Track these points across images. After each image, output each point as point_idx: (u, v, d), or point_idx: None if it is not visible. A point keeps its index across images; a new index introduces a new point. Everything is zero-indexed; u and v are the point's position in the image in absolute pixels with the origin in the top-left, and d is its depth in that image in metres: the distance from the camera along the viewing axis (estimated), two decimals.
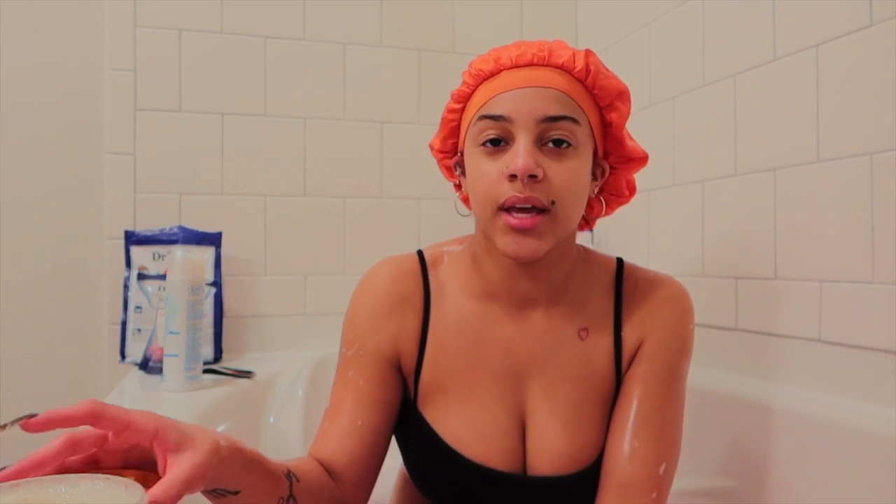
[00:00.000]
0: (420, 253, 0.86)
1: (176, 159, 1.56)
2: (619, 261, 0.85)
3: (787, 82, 1.15)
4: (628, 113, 0.77)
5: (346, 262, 1.65)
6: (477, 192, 0.74)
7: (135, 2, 1.53)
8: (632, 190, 0.85)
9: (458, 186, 0.85)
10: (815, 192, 1.09)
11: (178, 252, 1.26)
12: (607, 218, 1.61)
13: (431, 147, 0.86)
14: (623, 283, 0.82)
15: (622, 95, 0.76)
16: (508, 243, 0.71)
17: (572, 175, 0.72)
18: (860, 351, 1.01)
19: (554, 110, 0.71)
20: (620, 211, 1.72)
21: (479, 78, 0.75)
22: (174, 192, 1.56)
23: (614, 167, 0.81)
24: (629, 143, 0.78)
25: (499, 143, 0.72)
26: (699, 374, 1.30)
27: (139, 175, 1.54)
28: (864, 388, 1.01)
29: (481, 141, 0.73)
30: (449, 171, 0.86)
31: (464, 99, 0.78)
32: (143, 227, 1.52)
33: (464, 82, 0.77)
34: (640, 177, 1.68)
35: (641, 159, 0.80)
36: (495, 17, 1.78)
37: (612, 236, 1.67)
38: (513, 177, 0.70)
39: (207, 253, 1.51)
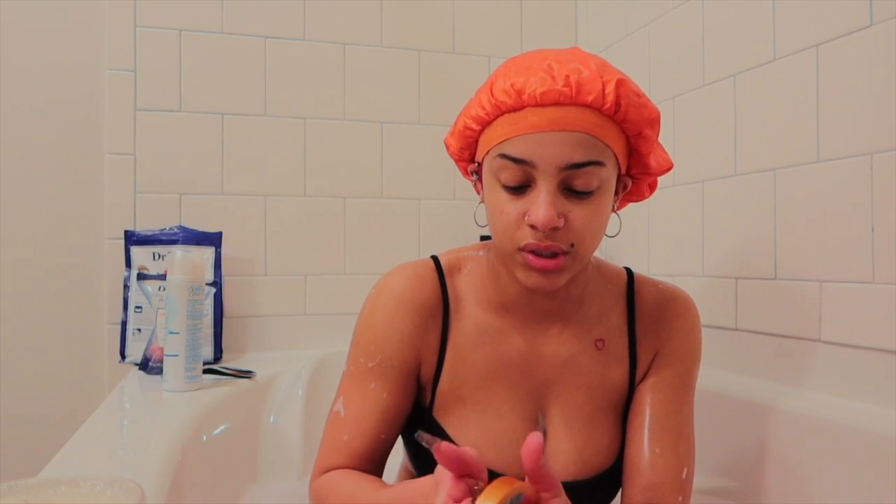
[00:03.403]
0: (435, 259, 0.84)
1: (176, 159, 1.56)
2: (629, 272, 0.86)
3: (787, 82, 1.15)
4: (657, 137, 0.75)
5: (346, 262, 1.64)
6: (496, 228, 0.73)
7: (135, 2, 1.53)
8: (652, 189, 0.83)
9: (478, 188, 0.81)
10: (815, 192, 1.09)
11: (178, 252, 1.25)
12: None
13: (447, 146, 0.83)
14: (635, 294, 0.84)
15: (652, 122, 0.73)
16: (528, 279, 0.72)
17: (594, 217, 0.71)
18: (860, 351, 1.01)
19: (579, 156, 0.68)
20: (620, 211, 1.72)
21: (499, 109, 0.71)
22: (174, 192, 1.56)
23: (637, 177, 0.79)
24: (654, 162, 0.77)
25: (520, 189, 0.71)
26: (699, 375, 1.30)
27: (139, 175, 1.53)
28: (864, 388, 1.01)
29: (502, 181, 0.71)
30: (466, 172, 0.84)
31: (482, 123, 0.74)
32: (143, 227, 1.52)
33: (482, 106, 0.73)
34: None
35: (665, 171, 0.78)
36: (495, 17, 1.78)
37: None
38: (534, 226, 0.69)
39: (207, 253, 1.51)
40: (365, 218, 1.67)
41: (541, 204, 0.68)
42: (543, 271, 0.70)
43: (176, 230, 1.51)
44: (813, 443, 0.99)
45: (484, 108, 0.73)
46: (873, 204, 0.99)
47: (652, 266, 1.51)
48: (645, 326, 0.82)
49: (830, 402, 1.02)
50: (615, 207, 0.80)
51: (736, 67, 1.26)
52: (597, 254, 0.89)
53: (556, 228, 0.69)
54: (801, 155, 1.12)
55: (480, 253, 0.85)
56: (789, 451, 1.03)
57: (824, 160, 1.07)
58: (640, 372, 0.81)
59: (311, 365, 1.46)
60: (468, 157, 0.81)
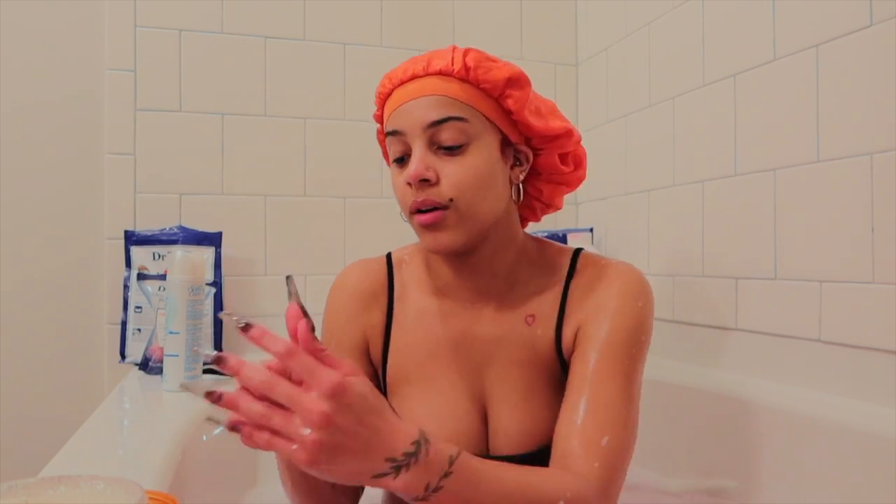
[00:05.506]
0: (389, 255, 0.92)
1: (176, 159, 1.56)
2: (577, 252, 0.87)
3: (787, 82, 1.15)
4: (525, 97, 0.79)
5: (345, 262, 1.63)
6: (398, 201, 0.81)
7: (135, 2, 1.53)
8: (578, 164, 0.86)
9: None
10: (815, 192, 1.09)
11: (178, 252, 1.26)
12: (607, 217, 1.62)
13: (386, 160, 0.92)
14: (575, 271, 0.84)
15: (512, 81, 0.78)
16: (425, 240, 0.79)
17: (468, 171, 0.76)
18: (860, 351, 1.01)
19: (436, 114, 0.76)
20: (621, 210, 1.71)
21: (381, 99, 0.82)
22: (174, 192, 1.56)
23: (540, 148, 0.83)
24: (537, 122, 0.80)
25: (403, 160, 0.79)
26: (699, 375, 1.30)
27: (139, 175, 1.53)
28: (864, 388, 1.01)
29: (392, 157, 0.80)
30: None
31: (379, 120, 0.85)
32: (143, 227, 1.52)
33: (376, 104, 0.84)
34: (640, 177, 1.68)
35: (564, 135, 0.81)
36: (495, 17, 1.78)
37: (612, 236, 1.67)
38: (410, 184, 0.76)
39: (207, 253, 1.51)
40: (365, 218, 1.67)
41: (412, 162, 0.76)
42: (426, 227, 0.77)
43: (176, 230, 1.51)
44: (813, 443, 0.99)
45: (376, 105, 0.84)
46: (873, 204, 0.99)
47: (652, 266, 1.51)
48: (574, 300, 0.82)
49: (830, 402, 1.02)
50: (523, 180, 0.83)
51: (736, 67, 1.26)
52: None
53: (427, 181, 0.75)
54: (801, 155, 1.12)
55: (414, 249, 0.92)
56: (789, 451, 1.03)
57: (824, 160, 1.07)
58: (565, 344, 0.81)
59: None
60: None
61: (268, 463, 1.29)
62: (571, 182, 0.88)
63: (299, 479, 0.75)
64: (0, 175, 1.48)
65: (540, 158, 0.84)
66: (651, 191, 1.52)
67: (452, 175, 0.76)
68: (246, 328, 0.56)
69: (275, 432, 0.54)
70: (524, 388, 0.82)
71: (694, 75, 1.37)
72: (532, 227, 1.67)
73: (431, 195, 0.75)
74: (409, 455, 0.57)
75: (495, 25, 1.77)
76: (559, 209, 0.91)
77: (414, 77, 0.78)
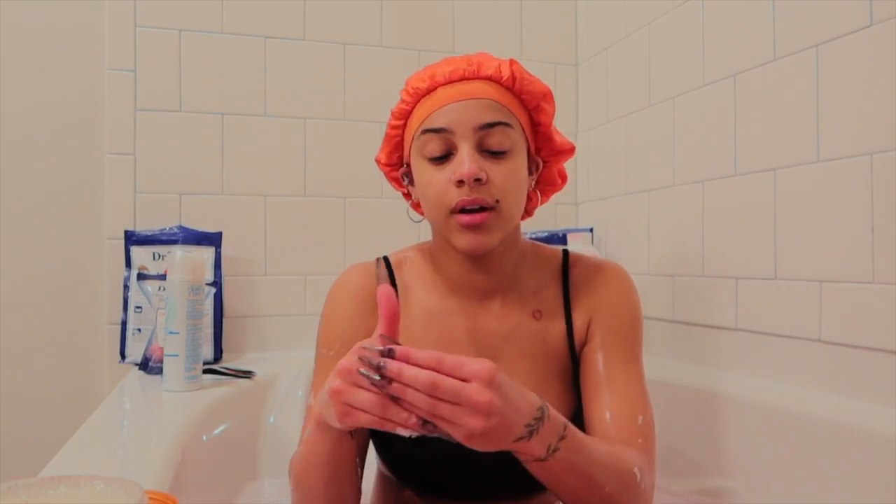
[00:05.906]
0: (385, 258, 0.93)
1: (176, 159, 1.56)
2: (565, 252, 0.93)
3: (787, 82, 1.15)
4: (554, 112, 0.85)
5: (345, 262, 1.64)
6: (429, 198, 0.81)
7: (135, 2, 1.53)
8: (563, 178, 0.92)
9: (408, 195, 0.91)
10: (815, 192, 1.09)
11: (178, 252, 1.25)
12: (607, 217, 1.63)
13: (378, 161, 0.92)
14: (570, 270, 0.90)
15: (546, 96, 0.83)
16: (463, 240, 0.79)
17: (512, 175, 0.79)
18: (860, 351, 1.01)
19: (489, 117, 0.78)
20: (621, 210, 1.72)
21: (416, 96, 0.82)
22: (174, 192, 1.56)
23: (546, 160, 0.88)
24: (557, 138, 0.86)
25: (443, 158, 0.79)
26: (699, 375, 1.30)
27: (139, 175, 1.53)
28: (864, 388, 1.01)
29: (427, 155, 0.80)
30: (397, 182, 0.92)
31: (404, 116, 0.85)
32: (143, 227, 1.52)
33: (402, 100, 0.84)
34: (640, 177, 1.68)
35: (569, 151, 0.88)
36: (495, 17, 1.78)
37: (612, 236, 1.67)
38: (460, 182, 0.77)
39: (207, 253, 1.51)
40: (365, 218, 1.67)
41: (464, 160, 0.77)
42: (473, 227, 0.78)
43: (176, 230, 1.51)
44: (813, 443, 0.99)
45: (404, 101, 0.84)
46: (873, 204, 0.99)
47: (652, 266, 1.51)
48: (579, 298, 0.88)
49: (830, 402, 1.02)
50: (532, 187, 0.88)
51: (736, 67, 1.26)
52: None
53: (479, 181, 0.77)
54: (801, 155, 1.12)
55: (415, 254, 0.94)
56: (789, 450, 1.03)
57: (824, 160, 1.07)
58: (577, 337, 0.87)
59: (311, 365, 1.45)
60: (397, 160, 0.90)
61: (267, 463, 1.30)
62: (549, 193, 0.93)
63: (326, 487, 0.75)
64: (0, 175, 1.48)
65: (544, 170, 0.89)
66: (651, 191, 1.52)
67: (500, 178, 0.78)
68: (386, 360, 0.59)
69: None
70: (535, 380, 0.84)
71: (694, 75, 1.37)
72: (533, 227, 1.68)
73: (483, 194, 0.77)
74: (538, 420, 0.63)
75: (495, 25, 1.77)
76: (531, 217, 0.95)
77: (464, 78, 0.80)
